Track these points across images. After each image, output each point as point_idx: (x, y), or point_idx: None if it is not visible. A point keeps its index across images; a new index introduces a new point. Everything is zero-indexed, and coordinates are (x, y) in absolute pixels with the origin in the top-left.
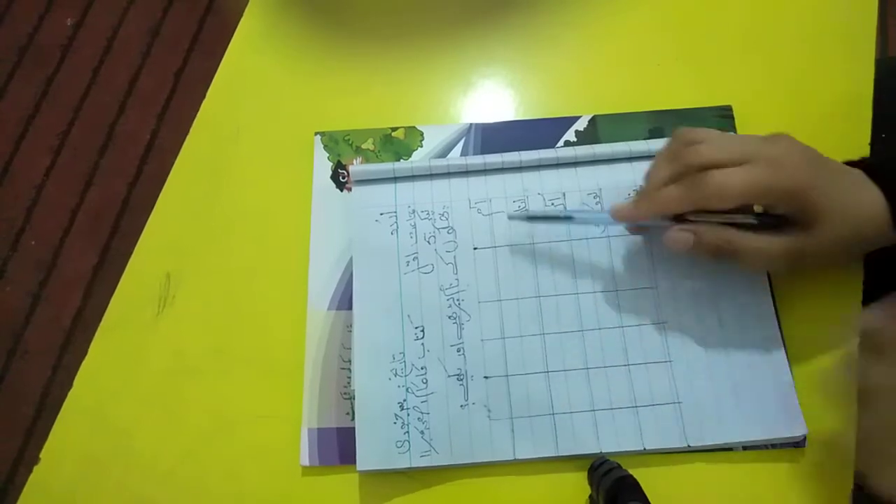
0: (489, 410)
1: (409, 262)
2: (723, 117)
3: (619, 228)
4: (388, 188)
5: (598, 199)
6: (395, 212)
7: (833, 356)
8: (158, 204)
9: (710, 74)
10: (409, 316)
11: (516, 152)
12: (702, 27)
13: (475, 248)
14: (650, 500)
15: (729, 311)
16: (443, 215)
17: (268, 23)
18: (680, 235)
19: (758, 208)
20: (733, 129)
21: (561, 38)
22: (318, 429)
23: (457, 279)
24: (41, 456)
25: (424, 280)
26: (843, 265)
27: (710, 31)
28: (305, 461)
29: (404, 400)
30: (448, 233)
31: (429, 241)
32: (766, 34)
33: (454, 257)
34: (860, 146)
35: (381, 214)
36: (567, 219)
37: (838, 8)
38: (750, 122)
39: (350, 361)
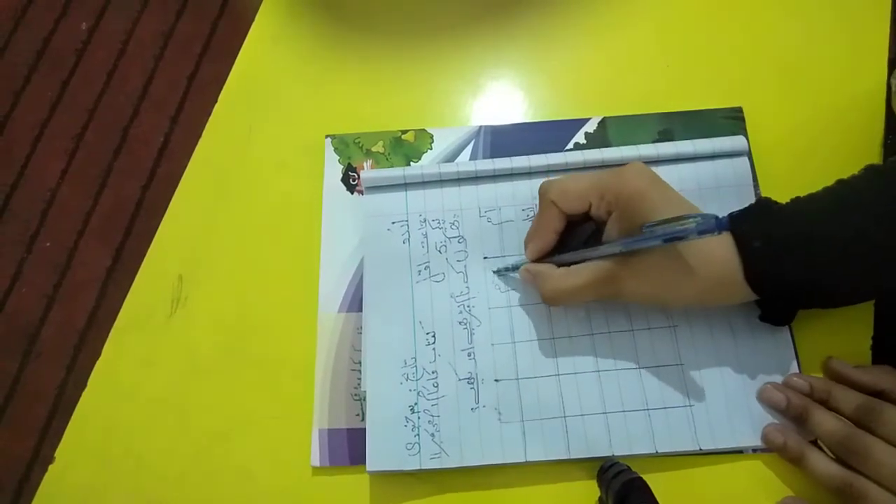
0: (500, 413)
1: (420, 271)
2: (733, 119)
3: None
4: (398, 196)
5: None
6: (407, 220)
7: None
8: (171, 206)
9: (721, 76)
10: (420, 322)
11: (525, 157)
12: (711, 28)
13: (485, 258)
14: (659, 502)
15: (739, 319)
16: (453, 224)
17: (279, 27)
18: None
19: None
20: (744, 130)
21: (570, 40)
22: (329, 429)
23: (467, 287)
24: (56, 455)
25: (436, 288)
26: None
27: (720, 32)
28: (316, 462)
29: (415, 403)
30: (459, 242)
31: (440, 251)
32: (777, 34)
33: (465, 266)
34: (872, 146)
35: (393, 223)
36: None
37: (851, 7)
38: (761, 124)
39: (360, 363)
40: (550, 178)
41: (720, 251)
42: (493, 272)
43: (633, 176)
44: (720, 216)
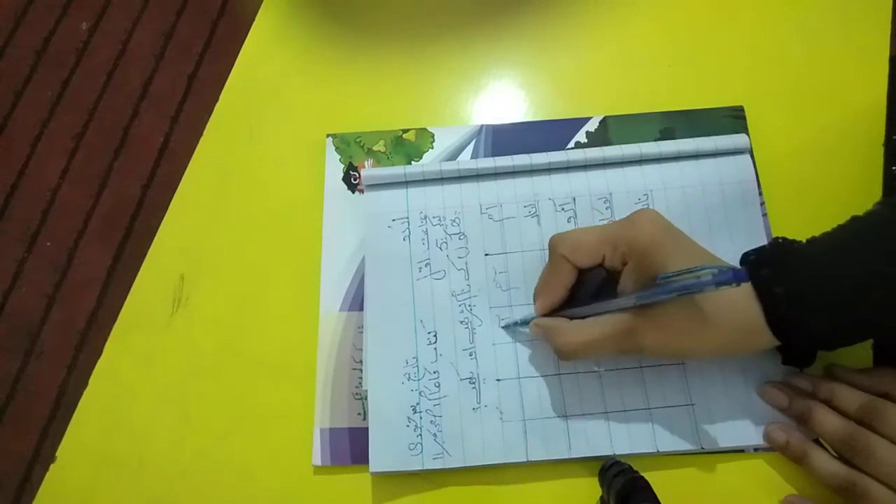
0: (501, 413)
1: (421, 268)
2: (735, 118)
3: None
4: (399, 193)
5: (608, 204)
6: (407, 217)
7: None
8: (172, 206)
9: (722, 75)
10: (421, 321)
11: (526, 155)
12: (713, 27)
13: (486, 255)
14: (661, 501)
15: None
16: (454, 221)
17: (279, 26)
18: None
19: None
20: (745, 129)
21: (572, 39)
22: (330, 429)
23: (468, 285)
24: (57, 454)
25: (436, 286)
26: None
27: (722, 31)
28: (317, 461)
29: (417, 403)
30: (459, 239)
31: (440, 248)
32: (778, 33)
33: (466, 263)
34: (873, 145)
35: (394, 220)
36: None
37: (852, 5)
38: (762, 123)
39: (362, 362)
40: (560, 232)
41: (740, 299)
42: (501, 327)
43: (646, 224)
44: (737, 266)
